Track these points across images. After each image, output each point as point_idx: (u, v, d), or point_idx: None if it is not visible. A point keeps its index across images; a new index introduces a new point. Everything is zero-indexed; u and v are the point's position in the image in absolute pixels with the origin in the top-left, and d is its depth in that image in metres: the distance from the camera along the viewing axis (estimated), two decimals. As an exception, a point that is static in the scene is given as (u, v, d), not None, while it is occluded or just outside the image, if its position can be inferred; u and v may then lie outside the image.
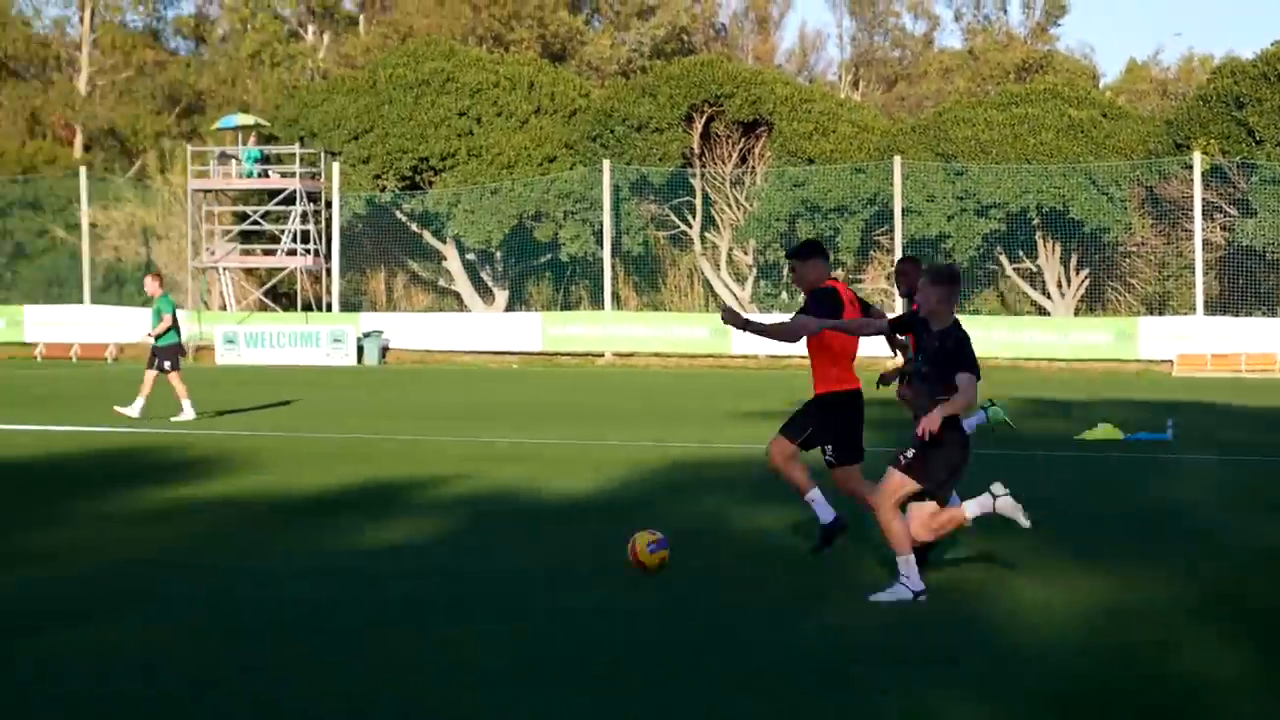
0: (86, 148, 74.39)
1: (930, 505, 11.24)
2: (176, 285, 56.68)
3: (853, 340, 12.20)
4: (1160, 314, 52.05)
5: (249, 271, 59.96)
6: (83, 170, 59.43)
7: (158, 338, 26.58)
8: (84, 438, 23.01)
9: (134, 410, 25.94)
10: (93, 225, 59.18)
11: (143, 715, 8.00)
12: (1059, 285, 53.91)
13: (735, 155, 56.15)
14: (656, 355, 50.90)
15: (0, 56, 75.35)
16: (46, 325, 54.03)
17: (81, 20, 77.82)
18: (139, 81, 75.41)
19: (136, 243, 62.92)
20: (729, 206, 56.23)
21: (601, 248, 54.70)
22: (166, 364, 26.52)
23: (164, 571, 11.97)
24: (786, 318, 12.55)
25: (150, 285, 27.21)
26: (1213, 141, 50.38)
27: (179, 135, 71.74)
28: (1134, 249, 53.67)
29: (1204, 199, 49.73)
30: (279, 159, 59.47)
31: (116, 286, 60.48)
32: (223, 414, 27.47)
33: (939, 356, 11.05)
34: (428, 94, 57.98)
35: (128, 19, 79.21)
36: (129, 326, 51.10)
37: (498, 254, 58.28)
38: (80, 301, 55.82)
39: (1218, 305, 50.60)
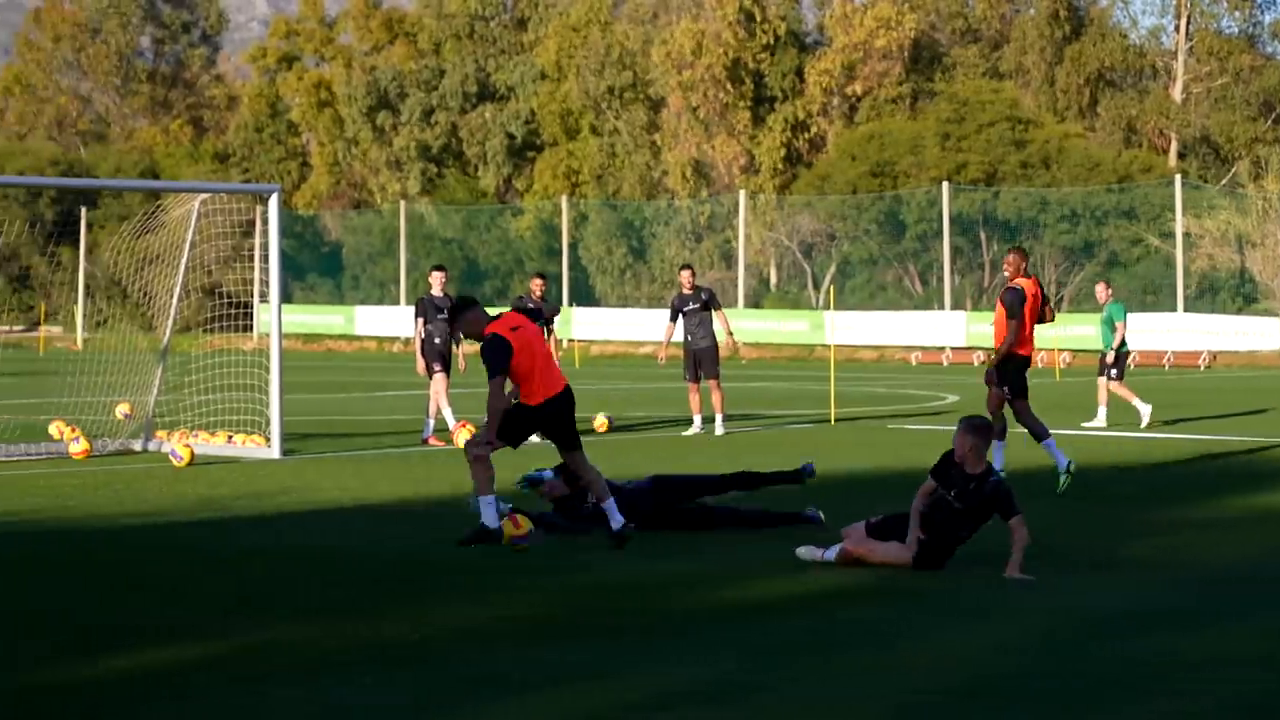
0: (1181, 155, 74.32)
1: None
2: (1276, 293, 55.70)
3: (530, 362, 13.51)
4: None
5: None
6: (1177, 178, 59.38)
7: (1112, 345, 26.51)
8: (1165, 445, 22.88)
9: (1144, 416, 25.94)
10: (1186, 233, 59.01)
11: None
12: None
13: None
14: None
15: (1099, 67, 76.55)
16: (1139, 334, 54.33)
17: (1177, 28, 77.81)
18: (1234, 88, 74.53)
19: (1230, 250, 62.22)
20: None
21: None
22: (1113, 371, 26.46)
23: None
24: None
25: (1100, 292, 27.35)
26: None
27: (1274, 141, 70.34)
28: None
29: None
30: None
31: (1210, 294, 60.06)
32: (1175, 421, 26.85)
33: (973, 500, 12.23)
34: None
35: (1224, 25, 78.50)
36: (1222, 335, 50.74)
37: None
38: (1173, 310, 55.76)
39: None
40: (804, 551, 12.86)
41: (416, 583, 12.03)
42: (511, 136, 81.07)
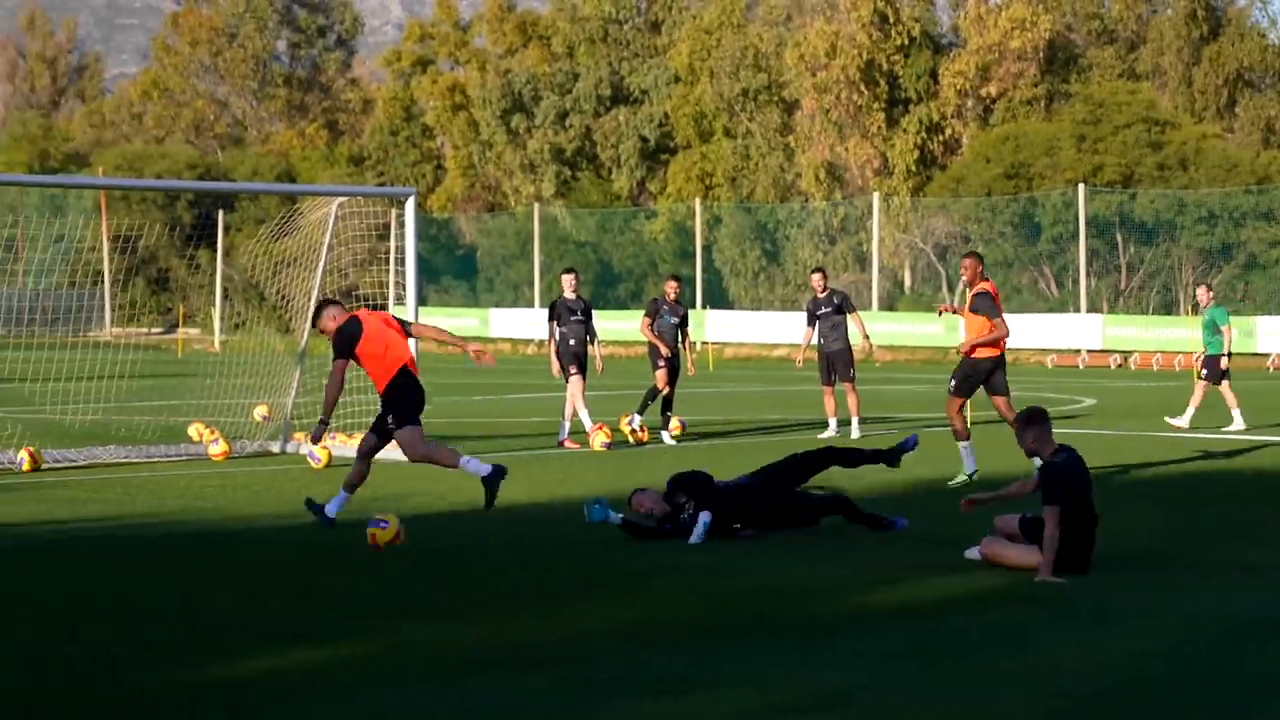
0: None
1: None
2: None
3: (384, 349, 14.69)
4: None
5: None
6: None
7: (1223, 349, 26.30)
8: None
9: (1183, 420, 25.76)
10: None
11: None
12: None
13: None
14: None
15: (1237, 68, 75.55)
16: (1278, 335, 53.62)
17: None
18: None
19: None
20: None
21: None
22: (1204, 371, 26.42)
23: None
24: None
25: (1202, 296, 27.10)
26: None
27: None
28: None
29: None
30: None
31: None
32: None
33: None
34: None
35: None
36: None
37: None
38: (1314, 312, 55.02)
39: None
40: (969, 552, 12.91)
41: (553, 584, 12.07)
42: (645, 139, 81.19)
